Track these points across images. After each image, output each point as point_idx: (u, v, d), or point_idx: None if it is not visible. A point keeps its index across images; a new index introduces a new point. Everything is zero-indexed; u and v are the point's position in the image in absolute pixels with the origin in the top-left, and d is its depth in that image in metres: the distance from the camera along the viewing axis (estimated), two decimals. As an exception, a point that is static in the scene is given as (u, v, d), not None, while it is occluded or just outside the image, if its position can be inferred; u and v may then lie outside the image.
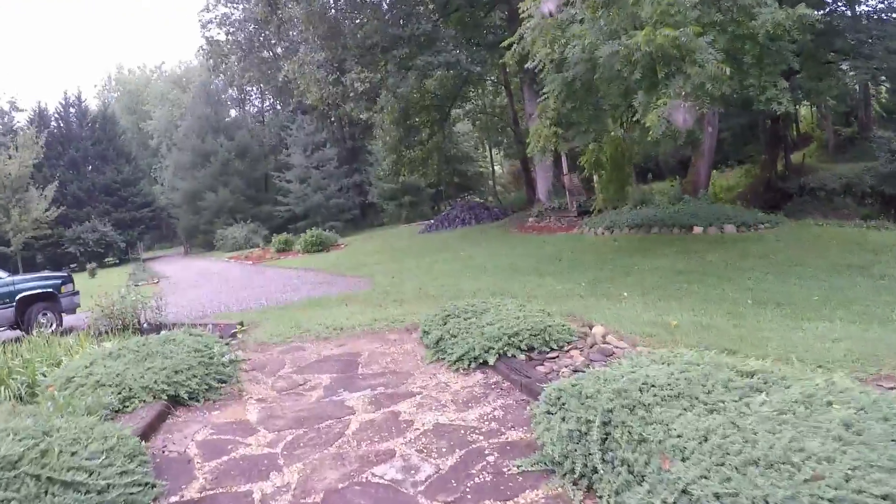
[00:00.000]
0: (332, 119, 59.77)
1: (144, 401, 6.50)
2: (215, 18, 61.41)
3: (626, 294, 11.60)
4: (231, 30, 61.50)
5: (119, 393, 6.52)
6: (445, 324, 8.15)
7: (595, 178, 23.92)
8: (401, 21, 26.07)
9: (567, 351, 7.08)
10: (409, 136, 34.13)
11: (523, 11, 13.48)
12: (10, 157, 44.84)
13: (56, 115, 62.27)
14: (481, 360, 6.97)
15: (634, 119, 12.80)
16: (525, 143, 42.03)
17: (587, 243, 18.84)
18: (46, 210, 47.04)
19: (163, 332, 8.95)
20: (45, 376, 7.50)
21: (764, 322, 8.34)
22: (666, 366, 4.80)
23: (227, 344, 9.26)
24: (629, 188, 20.58)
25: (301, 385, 7.28)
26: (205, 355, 7.70)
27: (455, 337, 7.63)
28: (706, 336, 7.09)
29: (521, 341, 7.07)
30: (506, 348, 7.01)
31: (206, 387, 7.09)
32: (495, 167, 61.36)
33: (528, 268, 15.95)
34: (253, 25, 60.65)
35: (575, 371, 6.15)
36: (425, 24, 25.03)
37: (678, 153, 40.78)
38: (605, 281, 13.21)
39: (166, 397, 6.65)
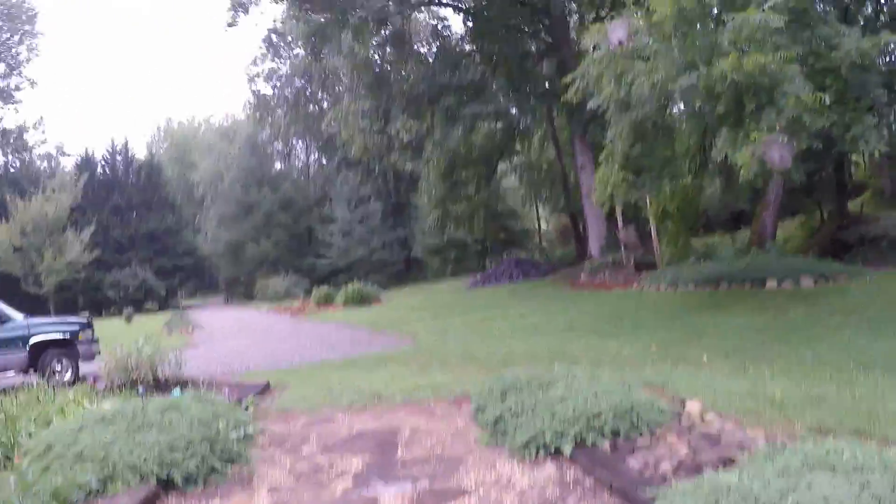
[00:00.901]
0: (377, 173, 59.06)
1: (129, 483, 5.23)
2: (262, 72, 61.79)
3: (705, 358, 10.14)
4: (277, 84, 61.73)
5: (101, 470, 5.26)
6: (505, 399, 6.69)
7: (655, 231, 22.50)
8: (447, 71, 25.06)
9: (660, 435, 5.57)
10: (454, 190, 33.04)
11: (586, 44, 12.24)
12: (46, 200, 44.56)
13: (102, 161, 62.57)
14: (554, 448, 5.51)
15: (709, 164, 11.42)
16: (573, 198, 41.48)
17: (649, 300, 17.31)
18: (83, 253, 46.61)
19: (170, 397, 7.71)
20: (30, 436, 6.43)
21: (884, 390, 6.87)
22: (831, 472, 3.40)
23: (246, 408, 8.00)
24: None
25: (326, 470, 5.87)
26: (212, 428, 6.36)
27: (518, 416, 6.18)
28: (824, 412, 5.83)
29: (602, 424, 5.57)
30: (585, 433, 5.54)
31: (209, 469, 5.72)
32: (541, 223, 59.94)
33: (587, 328, 14.49)
34: (299, 80, 60.93)
35: (680, 466, 4.72)
36: (473, 73, 23.94)
37: (730, 205, 39.19)
38: (677, 343, 11.69)
39: (156, 480, 5.34)
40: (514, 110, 24.52)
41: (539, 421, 5.82)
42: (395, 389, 9.15)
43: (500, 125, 35.74)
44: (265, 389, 10.34)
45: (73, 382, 13.27)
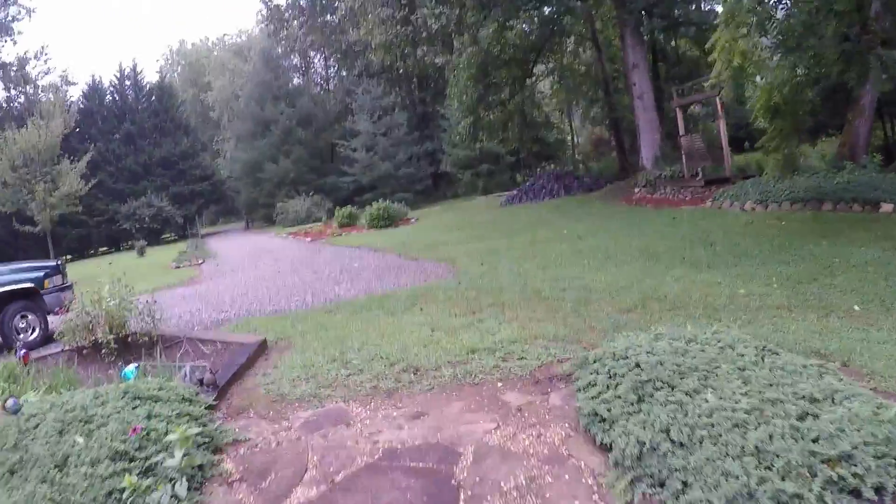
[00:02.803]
0: (401, 80, 55.73)
1: None
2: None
3: (857, 307, 7.30)
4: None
5: None
6: (639, 407, 3.97)
7: (724, 136, 19.33)
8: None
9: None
10: (488, 95, 29.74)
11: None
12: (37, 129, 40.80)
13: (111, 88, 59.67)
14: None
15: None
16: (615, 105, 38.09)
17: (737, 222, 14.19)
18: (80, 184, 43.14)
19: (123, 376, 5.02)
20: None
21: None
22: None
23: (212, 403, 5.31)
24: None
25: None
26: (136, 462, 3.64)
27: (682, 448, 3.39)
28: None
29: (853, 470, 2.87)
30: (823, 492, 2.75)
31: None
32: (574, 135, 56.41)
33: (672, 254, 11.50)
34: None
35: None
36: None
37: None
38: (805, 281, 8.70)
39: None
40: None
41: (733, 465, 3.09)
42: (439, 353, 6.47)
43: (535, 23, 32.39)
44: (258, 352, 7.64)
45: (39, 343, 10.69)
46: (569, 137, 55.09)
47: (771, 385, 3.95)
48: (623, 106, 39.19)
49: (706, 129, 22.52)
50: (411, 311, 9.16)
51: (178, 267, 23.70)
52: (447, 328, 7.66)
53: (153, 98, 60.16)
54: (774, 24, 9.66)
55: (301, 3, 58.06)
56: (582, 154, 52.99)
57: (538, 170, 48.47)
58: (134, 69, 60.09)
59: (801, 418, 3.49)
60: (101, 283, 8.61)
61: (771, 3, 9.49)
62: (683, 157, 21.18)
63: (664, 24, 23.07)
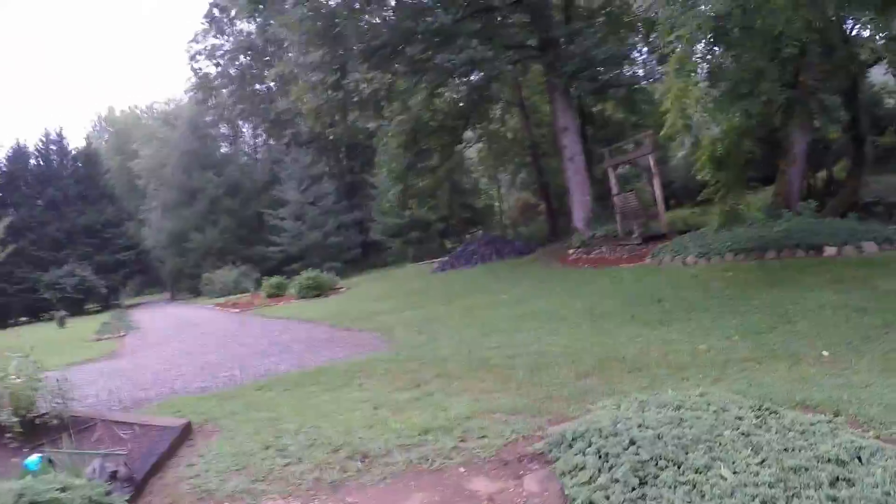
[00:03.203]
0: (330, 151, 55.48)
1: None
2: (204, 50, 58.12)
3: (826, 353, 7.07)
4: (220, 62, 57.76)
5: None
6: (644, 492, 3.51)
7: (660, 194, 19.23)
8: (413, 17, 21.38)
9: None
10: (417, 162, 29.48)
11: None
12: None
13: (36, 153, 57.59)
14: None
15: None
16: (541, 170, 38.12)
17: (682, 276, 13.85)
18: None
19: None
20: None
21: None
22: None
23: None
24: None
25: None
26: None
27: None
28: None
29: None
30: None
31: None
32: (501, 201, 56.47)
33: (620, 314, 11.06)
34: (243, 56, 56.96)
35: None
36: (444, 17, 20.22)
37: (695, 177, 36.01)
38: (764, 331, 8.40)
39: None
40: (491, 57, 20.68)
41: None
42: (387, 435, 5.80)
43: (464, 90, 32.40)
44: (182, 437, 6.82)
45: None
46: (496, 203, 55.10)
47: (786, 450, 3.46)
48: (551, 169, 39.38)
49: (635, 189, 22.40)
50: (349, 386, 8.45)
51: (100, 339, 22.43)
52: (392, 405, 6.99)
53: (78, 164, 58.38)
54: (725, 72, 9.41)
55: (230, 72, 57.73)
56: (510, 219, 52.94)
57: (467, 236, 48.32)
58: (60, 134, 58.31)
59: (834, 485, 3.00)
60: (6, 357, 7.72)
61: (719, 51, 9.21)
62: (618, 216, 21.01)
63: (593, 87, 23.04)
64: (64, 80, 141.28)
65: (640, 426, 4.04)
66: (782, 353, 7.24)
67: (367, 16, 21.42)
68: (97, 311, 50.60)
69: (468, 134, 38.96)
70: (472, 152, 49.41)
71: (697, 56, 9.07)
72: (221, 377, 10.70)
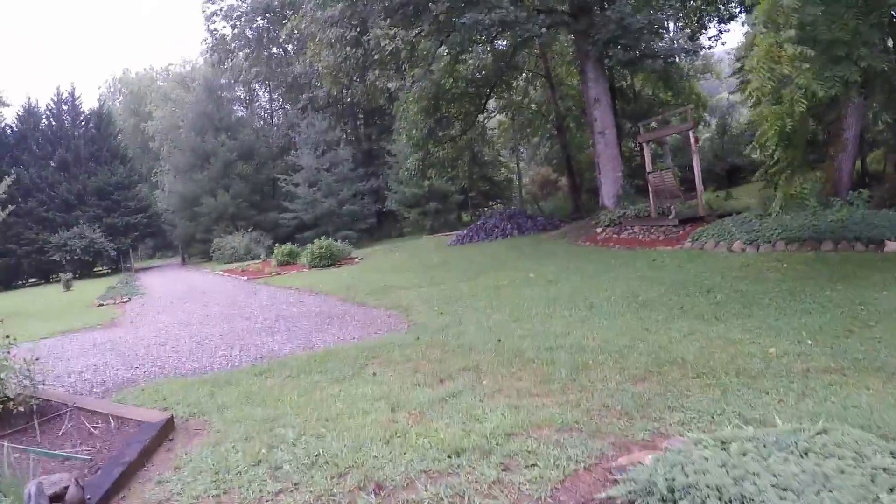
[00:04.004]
0: (347, 117, 54.29)
1: None
2: (220, 11, 56.52)
3: None
4: (237, 23, 56.35)
5: None
6: None
7: (698, 170, 17.92)
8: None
9: None
10: (438, 129, 28.23)
11: None
12: None
13: (48, 113, 56.38)
14: None
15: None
16: (566, 144, 36.83)
17: (731, 264, 12.56)
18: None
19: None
20: None
21: None
22: None
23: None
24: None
25: None
26: None
27: None
28: None
29: None
30: None
31: None
32: (521, 174, 55.13)
33: (664, 303, 9.85)
34: (260, 18, 55.52)
35: None
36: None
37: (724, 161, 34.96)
38: (841, 335, 7.22)
39: None
40: (526, 19, 19.32)
41: None
42: (409, 456, 4.63)
43: (488, 57, 31.12)
44: (160, 437, 5.77)
45: None
46: (515, 177, 53.78)
47: None
48: (575, 145, 38.16)
49: (671, 167, 21.07)
50: (361, 376, 7.31)
51: (102, 305, 21.42)
52: (412, 407, 5.84)
53: (90, 125, 56.97)
54: (818, 29, 8.09)
55: (247, 34, 56.40)
56: (529, 194, 51.69)
57: (486, 209, 47.18)
58: (72, 94, 56.86)
59: None
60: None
61: (811, 17, 7.89)
62: (651, 194, 19.70)
63: (629, 57, 21.65)
64: (80, 40, 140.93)
65: (774, 486, 2.86)
66: (868, 365, 6.07)
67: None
68: (106, 274, 49.94)
69: (490, 104, 37.70)
70: (493, 123, 48.18)
71: (786, 7, 7.73)
72: (219, 357, 9.60)
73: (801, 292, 9.50)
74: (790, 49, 7.72)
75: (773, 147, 9.80)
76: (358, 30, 20.05)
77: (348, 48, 20.13)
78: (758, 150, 10.95)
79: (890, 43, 14.53)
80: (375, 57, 20.03)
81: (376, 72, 21.85)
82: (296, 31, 27.07)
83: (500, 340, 8.39)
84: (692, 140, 18.06)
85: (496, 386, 6.35)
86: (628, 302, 10.20)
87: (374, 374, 7.33)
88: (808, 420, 4.58)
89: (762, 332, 7.62)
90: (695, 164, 18.08)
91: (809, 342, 6.99)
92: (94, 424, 6.25)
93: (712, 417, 5.02)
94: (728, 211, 18.13)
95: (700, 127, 34.61)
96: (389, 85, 22.00)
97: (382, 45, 18.56)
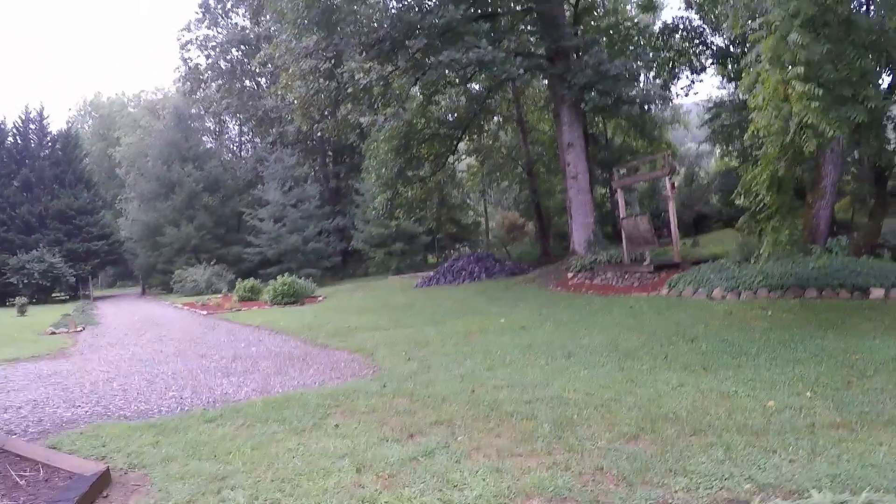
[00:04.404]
0: (316, 153, 53.90)
1: None
2: (196, 40, 56.18)
3: None
4: (211, 54, 55.91)
5: None
6: None
7: (673, 218, 17.58)
8: (417, 8, 19.71)
9: None
10: (408, 169, 27.81)
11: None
12: None
13: (14, 131, 55.09)
14: None
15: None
16: (535, 189, 36.53)
17: (713, 312, 12.07)
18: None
19: None
20: None
21: None
22: None
23: None
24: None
25: None
26: None
27: None
28: None
29: None
30: None
31: None
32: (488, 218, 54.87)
33: (648, 353, 9.32)
34: (235, 50, 55.12)
35: None
36: (454, 11, 18.55)
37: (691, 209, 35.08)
38: (841, 386, 6.90)
39: None
40: (502, 60, 19.01)
41: None
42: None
43: (462, 100, 30.91)
44: (91, 494, 5.06)
45: None
46: (483, 220, 53.50)
47: None
48: (544, 190, 38.01)
49: (647, 213, 20.72)
50: (322, 427, 6.67)
51: (55, 333, 20.42)
52: (380, 467, 5.21)
53: (57, 146, 55.68)
54: (824, 69, 7.69)
55: (221, 64, 55.94)
56: (496, 238, 51.41)
57: (453, 251, 46.80)
58: (40, 113, 55.63)
59: None
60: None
61: (813, 45, 7.50)
62: (624, 240, 19.29)
63: (605, 102, 21.35)
64: (53, 62, 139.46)
65: None
66: (876, 418, 5.71)
67: (366, 5, 19.55)
68: (64, 301, 48.36)
69: (461, 146, 37.49)
70: (463, 166, 47.99)
71: (792, 43, 7.35)
72: (168, 399, 8.87)
73: (791, 341, 9.11)
74: (799, 87, 7.33)
75: (765, 192, 9.39)
76: (332, 62, 19.57)
77: (322, 80, 19.63)
78: (741, 197, 10.52)
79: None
80: (349, 90, 19.52)
81: (349, 106, 21.33)
82: (269, 64, 26.64)
83: (473, 391, 7.80)
84: (668, 186, 17.73)
85: (473, 443, 5.76)
86: (608, 351, 9.67)
87: (337, 425, 6.69)
88: (828, 481, 4.28)
89: (756, 384, 7.17)
90: (670, 210, 17.76)
91: (808, 395, 6.59)
92: (22, 472, 5.55)
93: (722, 482, 4.51)
94: (703, 258, 17.78)
95: (676, 172, 34.54)
96: (361, 120, 21.42)
97: (357, 78, 18.10)
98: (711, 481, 4.53)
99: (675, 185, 17.57)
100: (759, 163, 9.31)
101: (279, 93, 27.26)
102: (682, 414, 6.18)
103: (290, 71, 20.33)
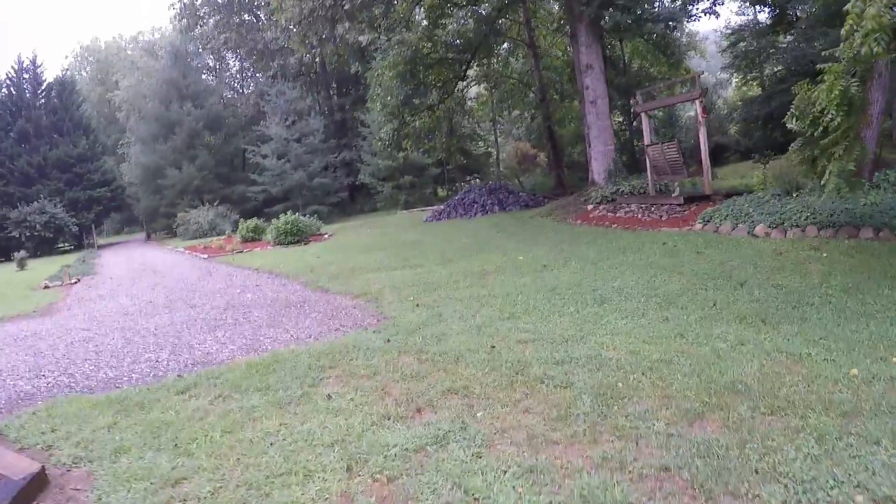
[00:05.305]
0: (319, 86, 52.22)
1: None
2: (190, -27, 53.81)
3: None
4: (207, -13, 53.87)
5: None
6: None
7: (704, 147, 16.18)
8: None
9: None
10: (414, 97, 26.37)
11: None
12: None
13: (8, 82, 53.72)
14: None
15: None
16: (549, 116, 34.97)
17: (759, 252, 10.64)
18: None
19: None
20: None
21: None
22: None
23: None
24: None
25: None
26: None
27: None
28: None
29: None
30: None
31: None
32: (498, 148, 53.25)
33: (693, 299, 8.04)
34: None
35: None
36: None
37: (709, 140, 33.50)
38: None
39: None
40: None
41: None
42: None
43: (472, 21, 29.25)
44: (22, 500, 3.87)
45: None
46: (493, 151, 51.96)
47: None
48: (557, 118, 36.56)
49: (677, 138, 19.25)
50: (312, 399, 5.51)
51: (48, 287, 19.35)
52: (378, 463, 4.05)
53: (52, 94, 54.38)
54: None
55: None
56: (507, 169, 49.88)
57: (464, 184, 45.52)
58: (34, 62, 54.34)
59: None
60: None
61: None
62: (649, 169, 17.87)
63: (628, 20, 19.68)
64: (50, 8, 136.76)
65: None
66: None
67: None
68: (69, 251, 47.66)
69: (469, 73, 35.86)
70: (471, 94, 46.41)
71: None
72: (143, 362, 7.73)
73: (857, 290, 7.79)
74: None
75: (835, 111, 7.96)
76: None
77: (316, -4, 18.05)
78: (794, 120, 9.10)
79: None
80: (346, 7, 17.96)
81: (346, 24, 19.77)
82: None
83: (493, 347, 6.58)
84: (699, 110, 16.18)
85: (496, 423, 4.57)
86: (647, 296, 8.39)
87: (329, 396, 5.52)
88: None
89: (830, 344, 5.90)
90: (701, 138, 16.28)
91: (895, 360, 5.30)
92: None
93: (827, 493, 3.34)
94: (736, 190, 16.34)
95: (685, 104, 32.99)
96: (361, 39, 19.85)
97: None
98: (813, 491, 3.35)
99: (707, 109, 16.02)
100: (824, 77, 7.91)
101: (273, 17, 25.68)
102: (751, 384, 4.96)
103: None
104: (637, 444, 4.06)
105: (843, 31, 7.30)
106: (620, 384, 5.14)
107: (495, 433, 4.40)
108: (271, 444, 4.55)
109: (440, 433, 4.43)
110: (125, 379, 7.02)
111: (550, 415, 4.65)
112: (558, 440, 4.21)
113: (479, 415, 4.78)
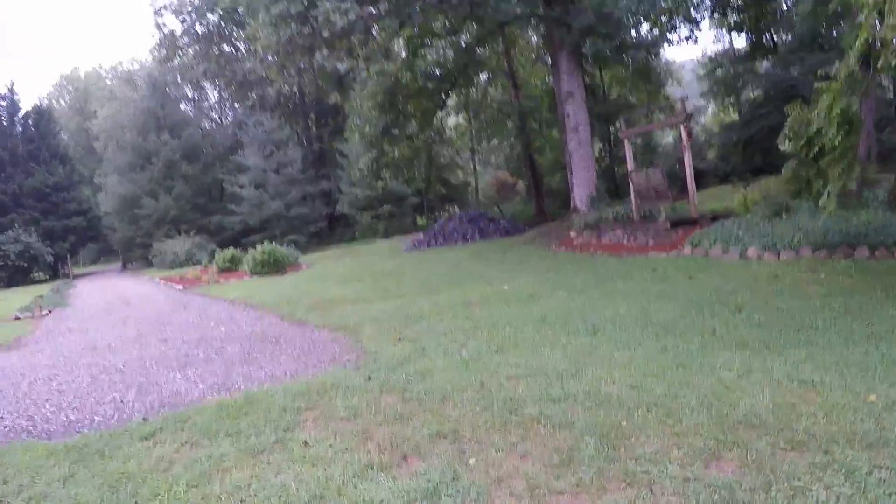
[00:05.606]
0: (297, 116, 52.02)
1: None
2: (170, 5, 53.50)
3: None
4: (187, 18, 53.56)
5: None
6: None
7: (689, 171, 15.93)
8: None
9: None
10: (394, 127, 26.11)
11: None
12: None
13: (-16, 110, 53.00)
14: None
15: None
16: (528, 144, 34.86)
17: (754, 276, 10.30)
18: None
19: None
20: None
21: None
22: None
23: None
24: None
25: None
26: None
27: None
28: None
29: None
30: None
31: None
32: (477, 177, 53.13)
33: (690, 326, 7.69)
34: (212, 14, 52.82)
35: None
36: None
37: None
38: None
39: None
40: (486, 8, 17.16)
41: None
42: None
43: (452, 52, 29.08)
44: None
45: None
46: (472, 180, 51.82)
47: None
48: (537, 146, 36.51)
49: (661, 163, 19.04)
50: (287, 445, 5.04)
51: (18, 318, 18.73)
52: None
53: (29, 123, 53.71)
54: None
55: (197, 29, 53.69)
56: (486, 198, 49.74)
57: (443, 213, 45.40)
58: (11, 90, 53.78)
59: None
60: None
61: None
62: (633, 195, 17.59)
63: (610, 47, 19.50)
64: (31, 39, 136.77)
65: None
66: None
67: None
68: (44, 281, 46.68)
69: (449, 102, 35.71)
70: (450, 124, 46.34)
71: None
72: (107, 403, 7.23)
73: (861, 311, 7.50)
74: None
75: (835, 131, 7.65)
76: (305, 4, 17.56)
77: (294, 24, 17.68)
78: (787, 141, 8.83)
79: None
80: (325, 35, 17.62)
81: (325, 52, 19.47)
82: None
83: (482, 384, 6.13)
84: (684, 134, 15.95)
85: (492, 471, 4.13)
86: (641, 325, 8.01)
87: (306, 443, 5.04)
88: None
89: (841, 369, 5.60)
90: (686, 161, 16.03)
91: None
92: None
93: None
94: (720, 213, 16.10)
95: (665, 130, 33.02)
96: (339, 66, 19.55)
97: (333, 20, 16.21)
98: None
99: (692, 132, 15.78)
100: (821, 95, 7.63)
101: (252, 48, 25.40)
102: (765, 416, 4.57)
103: (260, 17, 18.40)
104: (651, 491, 3.65)
105: (857, 45, 7.00)
106: (624, 423, 4.73)
107: (492, 483, 3.96)
108: (241, 500, 4.09)
109: (430, 486, 3.97)
110: (87, 422, 6.53)
111: (551, 460, 4.22)
112: (563, 489, 3.78)
113: (471, 461, 4.34)
